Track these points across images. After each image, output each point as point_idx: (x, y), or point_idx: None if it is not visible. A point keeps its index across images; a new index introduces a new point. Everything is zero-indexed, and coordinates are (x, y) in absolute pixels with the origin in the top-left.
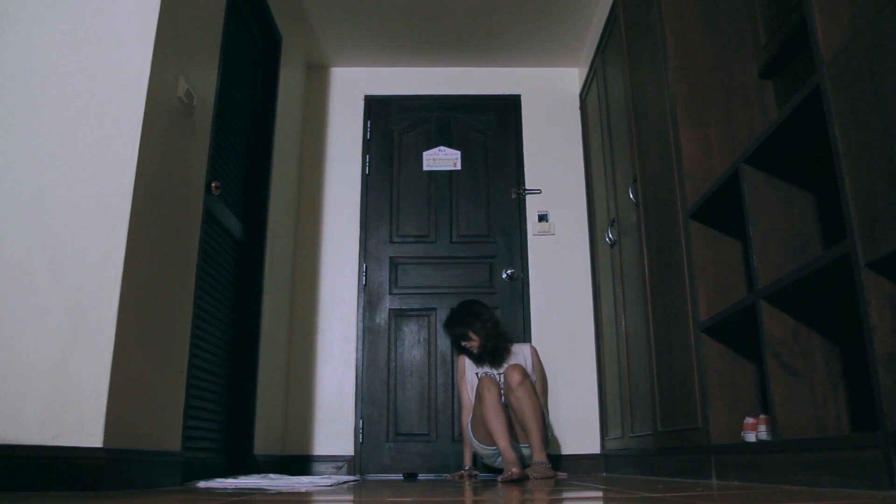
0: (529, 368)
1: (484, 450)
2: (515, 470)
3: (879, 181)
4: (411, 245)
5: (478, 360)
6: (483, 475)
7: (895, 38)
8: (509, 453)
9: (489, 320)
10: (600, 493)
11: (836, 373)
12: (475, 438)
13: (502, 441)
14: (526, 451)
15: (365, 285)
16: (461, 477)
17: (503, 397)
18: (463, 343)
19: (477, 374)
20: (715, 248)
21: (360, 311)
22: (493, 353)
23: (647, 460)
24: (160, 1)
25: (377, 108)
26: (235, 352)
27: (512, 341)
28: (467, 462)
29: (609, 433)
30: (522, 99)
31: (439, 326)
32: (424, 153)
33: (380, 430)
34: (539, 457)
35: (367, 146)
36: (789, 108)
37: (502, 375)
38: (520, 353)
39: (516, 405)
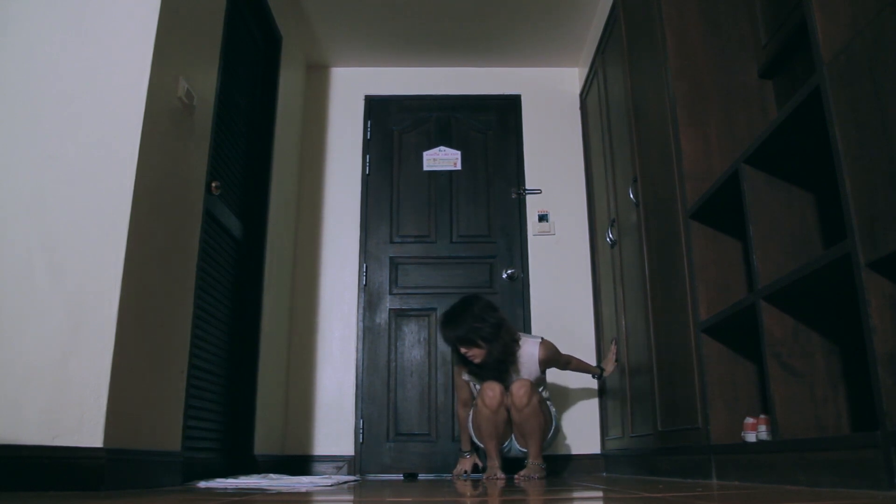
0: (535, 374)
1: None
2: (501, 474)
3: (879, 181)
4: (411, 245)
5: (477, 373)
6: (475, 476)
7: (895, 38)
8: (494, 458)
9: (497, 325)
10: (600, 493)
11: (836, 373)
12: (475, 437)
13: (491, 446)
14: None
15: (365, 285)
16: (465, 472)
17: (507, 408)
18: (463, 350)
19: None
20: (715, 248)
21: (361, 311)
22: (497, 369)
23: (647, 460)
24: (160, 1)
25: (377, 108)
26: (235, 352)
27: (518, 344)
28: (466, 446)
29: (609, 433)
30: (522, 99)
31: (440, 326)
32: (424, 153)
33: (380, 430)
34: (534, 457)
35: (367, 146)
36: (789, 108)
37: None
38: (526, 360)
39: (519, 421)
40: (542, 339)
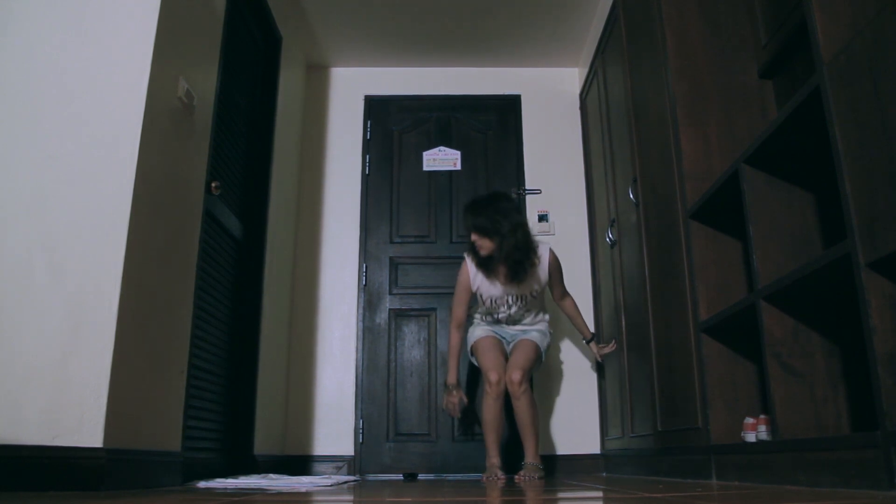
0: (544, 281)
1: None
2: (501, 475)
3: (879, 181)
4: (411, 245)
5: (485, 265)
6: (475, 476)
7: (895, 38)
8: (493, 458)
9: (517, 228)
10: (600, 493)
11: (836, 373)
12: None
13: (491, 445)
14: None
15: (365, 285)
16: (452, 405)
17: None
18: (474, 237)
19: (480, 286)
20: (715, 248)
21: (360, 311)
22: (514, 268)
23: (647, 460)
24: (160, 1)
25: (377, 108)
26: (235, 352)
27: (537, 253)
28: (453, 377)
29: (609, 433)
30: (522, 99)
31: (440, 326)
32: (424, 153)
33: (380, 430)
34: (532, 458)
35: (367, 146)
36: (789, 108)
37: (511, 297)
38: (538, 272)
39: (516, 410)
40: (550, 247)
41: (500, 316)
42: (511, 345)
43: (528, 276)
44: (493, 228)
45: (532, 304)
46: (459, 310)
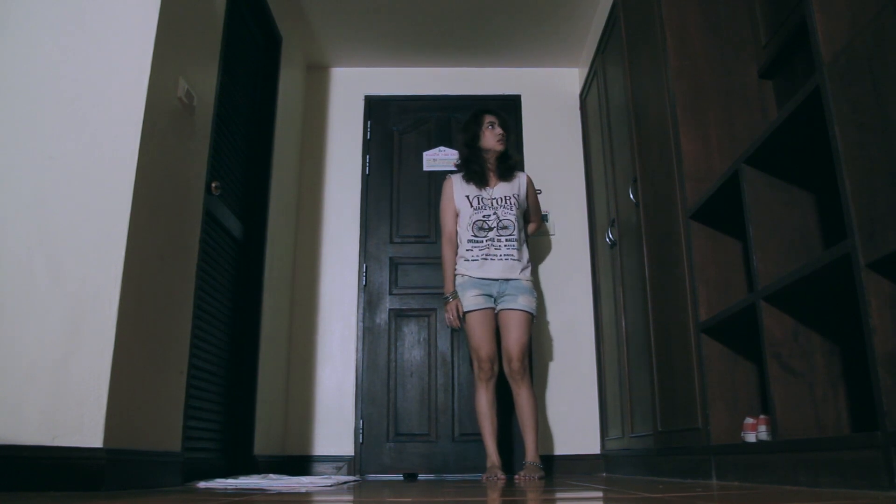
0: (524, 195)
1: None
2: (501, 475)
3: (879, 181)
4: (411, 245)
5: (474, 174)
6: (475, 476)
7: (895, 38)
8: (493, 458)
9: (512, 137)
10: (600, 494)
11: (836, 373)
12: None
13: (490, 444)
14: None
15: (365, 285)
16: (451, 315)
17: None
18: (490, 119)
19: (468, 196)
20: (715, 248)
21: (360, 311)
22: (505, 162)
23: (648, 460)
24: (160, 1)
25: (377, 109)
26: (235, 352)
27: (516, 168)
28: (449, 287)
29: (609, 433)
30: (522, 99)
31: (440, 326)
32: (424, 153)
33: (380, 431)
34: (532, 457)
35: (368, 146)
36: (789, 108)
37: (496, 201)
38: (518, 180)
39: (517, 401)
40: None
41: (490, 223)
42: (499, 308)
43: (511, 180)
44: (506, 122)
45: (517, 216)
46: (449, 224)
